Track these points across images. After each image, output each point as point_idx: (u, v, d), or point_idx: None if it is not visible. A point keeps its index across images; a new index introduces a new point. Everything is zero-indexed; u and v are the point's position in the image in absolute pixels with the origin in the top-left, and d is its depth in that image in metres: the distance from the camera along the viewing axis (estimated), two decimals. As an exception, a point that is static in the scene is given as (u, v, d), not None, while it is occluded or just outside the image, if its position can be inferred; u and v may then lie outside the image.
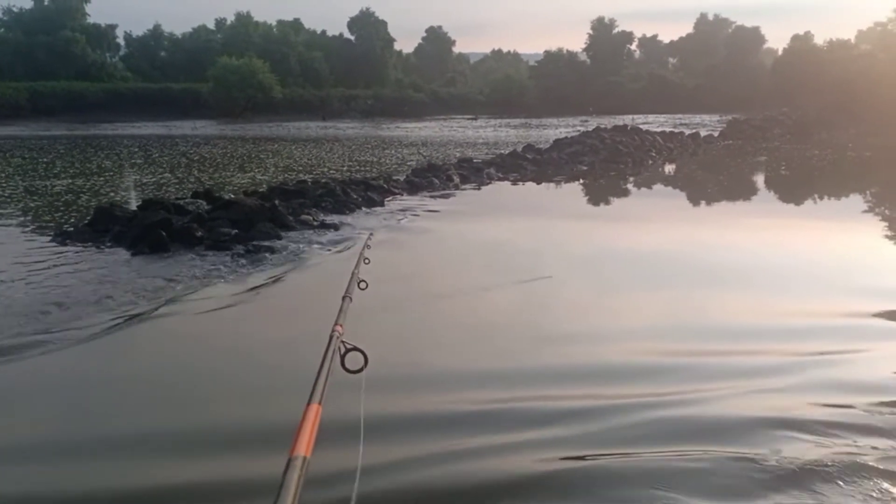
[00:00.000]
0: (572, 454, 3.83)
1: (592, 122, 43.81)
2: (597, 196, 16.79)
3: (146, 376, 5.12)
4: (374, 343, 5.47)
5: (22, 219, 12.80)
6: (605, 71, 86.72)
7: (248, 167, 22.89)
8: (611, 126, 31.73)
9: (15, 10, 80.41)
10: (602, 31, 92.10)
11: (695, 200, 16.12)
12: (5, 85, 67.16)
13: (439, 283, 7.87)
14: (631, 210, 14.85)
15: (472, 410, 4.41)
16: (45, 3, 79.81)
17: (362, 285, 2.75)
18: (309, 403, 1.64)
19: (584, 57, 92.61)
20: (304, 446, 1.43)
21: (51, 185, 17.62)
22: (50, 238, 10.28)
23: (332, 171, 20.39)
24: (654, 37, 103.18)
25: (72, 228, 10.81)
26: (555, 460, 3.76)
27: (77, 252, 9.31)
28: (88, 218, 11.15)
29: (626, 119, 48.31)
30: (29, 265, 8.49)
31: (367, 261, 3.05)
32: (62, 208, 13.89)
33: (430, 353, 5.60)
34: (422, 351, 5.65)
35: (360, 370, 1.95)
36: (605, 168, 21.25)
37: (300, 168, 22.23)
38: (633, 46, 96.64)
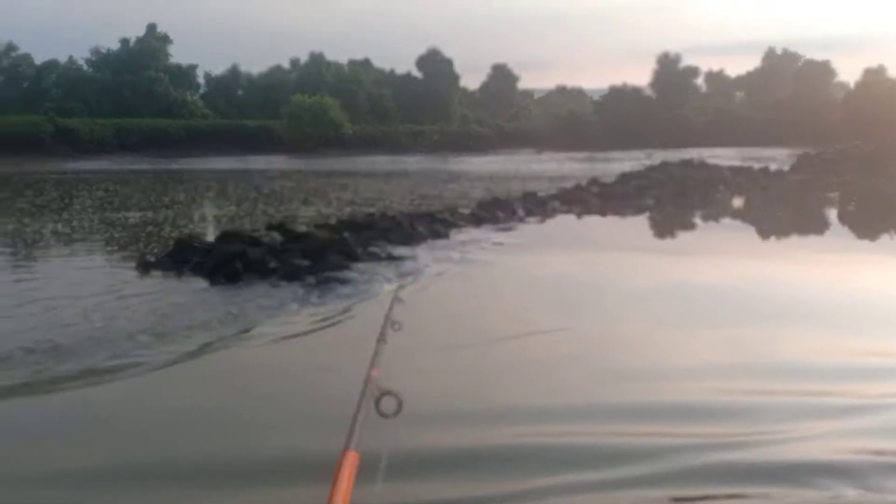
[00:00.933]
0: (630, 496, 3.80)
1: (658, 156, 43.40)
2: (662, 230, 16.69)
3: (214, 405, 5.28)
4: (429, 377, 5.68)
5: (107, 248, 13.54)
6: (671, 105, 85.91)
7: (315, 201, 23.56)
8: (677, 160, 31.42)
9: (103, 50, 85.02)
10: (667, 66, 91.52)
11: (763, 235, 15.85)
12: (93, 121, 70.94)
13: (500, 317, 7.98)
14: (697, 244, 14.71)
15: (524, 447, 4.42)
16: (131, 44, 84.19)
17: (395, 327, 2.58)
18: (345, 450, 1.55)
19: (649, 91, 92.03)
20: (341, 501, 1.34)
21: (134, 217, 18.54)
22: (133, 267, 10.84)
23: (397, 205, 20.81)
24: (721, 71, 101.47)
25: (153, 259, 11.36)
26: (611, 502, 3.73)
27: (157, 282, 9.81)
28: (169, 249, 11.71)
29: (693, 153, 47.65)
30: (111, 293, 8.96)
31: (400, 300, 2.99)
32: (144, 239, 14.61)
33: (484, 388, 5.64)
34: (477, 386, 5.70)
35: (396, 414, 1.81)
36: (672, 201, 21.05)
37: (364, 202, 22.75)
38: (700, 80, 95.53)
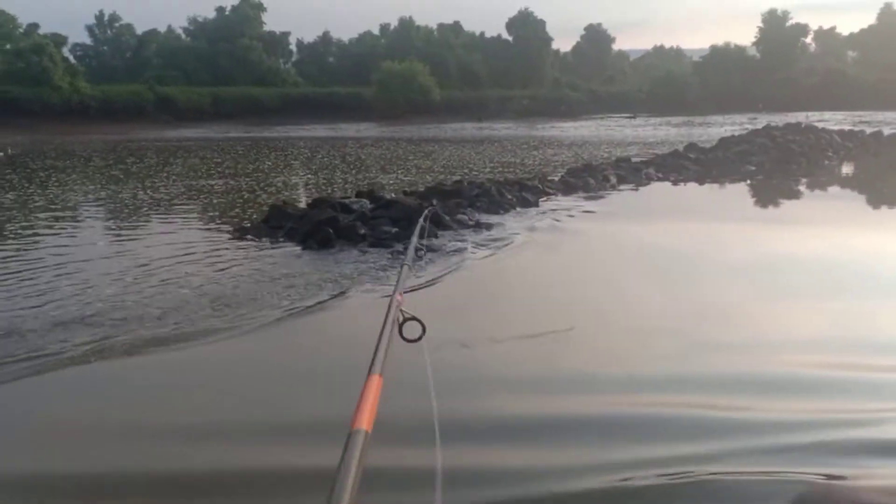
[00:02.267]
0: (717, 469, 3.65)
1: (762, 120, 41.50)
2: (765, 198, 15.92)
3: (301, 367, 5.42)
4: (511, 342, 5.61)
5: (205, 214, 14.01)
6: (777, 66, 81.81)
7: (403, 168, 23.68)
8: (782, 124, 29.91)
9: (199, 19, 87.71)
10: (774, 24, 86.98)
11: (874, 204, 14.90)
12: (191, 90, 73.67)
13: (588, 285, 7.82)
14: (802, 213, 13.98)
15: (608, 414, 4.35)
16: (226, 12, 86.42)
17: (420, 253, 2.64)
18: (370, 374, 1.56)
19: (753, 51, 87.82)
20: (366, 420, 1.35)
21: (229, 183, 19.14)
22: (230, 233, 11.18)
23: (483, 173, 20.66)
24: (832, 29, 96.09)
25: (249, 224, 11.69)
26: (703, 474, 3.60)
27: (253, 247, 10.08)
28: (264, 215, 12.01)
29: (800, 116, 45.30)
30: (210, 257, 9.30)
31: (424, 227, 3.06)
32: (240, 205, 15.06)
33: (568, 351, 5.58)
34: (559, 348, 5.64)
35: (419, 339, 1.87)
36: (776, 168, 20.08)
37: (450, 169, 22.70)
38: (808, 39, 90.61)
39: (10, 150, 35.50)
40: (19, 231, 12.36)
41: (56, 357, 5.45)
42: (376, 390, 1.49)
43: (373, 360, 1.61)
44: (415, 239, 2.54)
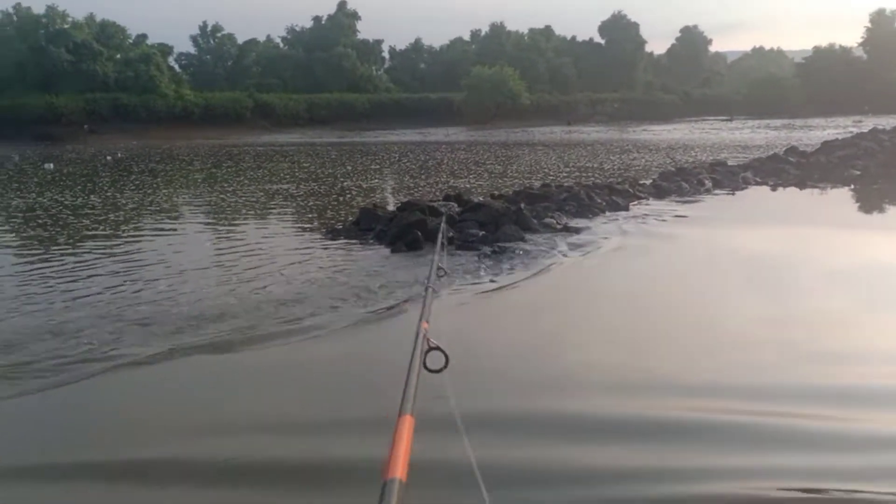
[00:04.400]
0: (805, 486, 3.52)
1: (868, 123, 39.44)
2: (869, 204, 15.12)
3: (378, 368, 5.45)
4: (606, 345, 5.55)
5: (299, 215, 14.45)
6: (885, 67, 77.52)
7: (491, 171, 23.70)
8: (890, 127, 28.34)
9: (297, 28, 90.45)
10: (882, 24, 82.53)
11: None
12: (288, 97, 76.05)
13: (680, 292, 7.64)
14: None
15: (695, 421, 4.27)
16: (323, 21, 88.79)
17: (440, 273, 2.32)
18: (400, 415, 1.43)
19: (859, 52, 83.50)
20: (400, 467, 1.24)
21: (323, 186, 19.65)
22: (322, 234, 11.50)
23: (571, 176, 20.46)
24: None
25: (341, 226, 11.99)
26: (791, 490, 3.48)
27: (344, 248, 10.33)
28: (355, 217, 12.28)
29: (911, 118, 42.83)
30: (304, 257, 9.61)
31: (444, 244, 2.83)
32: (332, 207, 15.45)
33: (662, 355, 5.49)
34: (650, 353, 5.55)
35: (441, 370, 1.71)
36: (882, 173, 19.01)
37: (537, 173, 22.57)
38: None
39: (119, 154, 37.61)
40: (122, 231, 13.08)
41: (140, 354, 5.70)
42: (409, 433, 1.37)
43: (402, 398, 1.48)
44: (436, 258, 2.32)
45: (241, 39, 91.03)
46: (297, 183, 20.99)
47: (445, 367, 1.71)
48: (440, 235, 3.76)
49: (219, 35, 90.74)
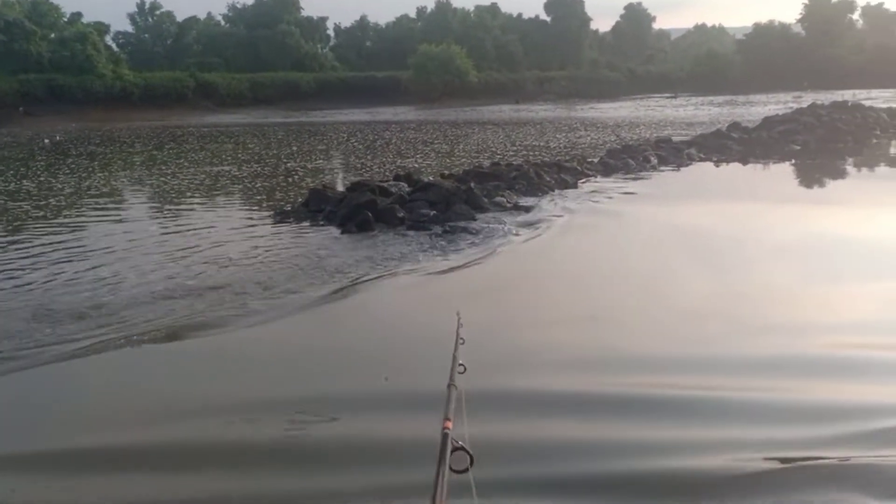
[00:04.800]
0: (774, 455, 3.62)
1: (807, 99, 40.46)
2: (809, 178, 15.55)
3: (340, 346, 5.53)
4: (555, 325, 5.60)
5: (246, 197, 14.17)
6: (822, 43, 79.46)
7: (440, 151, 23.62)
8: (828, 102, 29.12)
9: (238, 6, 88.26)
10: (819, 1, 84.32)
11: (926, 184, 14.45)
12: (231, 76, 74.24)
13: (629, 268, 7.75)
14: (847, 194, 13.63)
15: (659, 397, 4.34)
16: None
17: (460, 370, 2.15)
18: None
19: (798, 28, 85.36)
20: None
21: (269, 167, 19.30)
22: (271, 216, 11.30)
23: (520, 155, 20.52)
24: (880, 4, 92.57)
25: (290, 208, 11.80)
26: (756, 460, 3.57)
27: (294, 230, 10.17)
28: (304, 198, 12.10)
29: (846, 94, 44.06)
30: (253, 240, 9.45)
31: (462, 341, 2.69)
32: (282, 188, 15.20)
33: (619, 331, 5.56)
34: (608, 329, 5.63)
35: (466, 470, 1.62)
36: (822, 148, 19.59)
37: (487, 152, 22.58)
38: (856, 15, 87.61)
39: (57, 137, 36.32)
40: (64, 216, 12.66)
41: (87, 343, 5.58)
42: None
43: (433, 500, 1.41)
44: (456, 353, 2.13)
45: (180, 17, 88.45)
46: (243, 164, 20.57)
47: (469, 468, 1.61)
48: (457, 326, 2.71)
49: (157, 13, 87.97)
